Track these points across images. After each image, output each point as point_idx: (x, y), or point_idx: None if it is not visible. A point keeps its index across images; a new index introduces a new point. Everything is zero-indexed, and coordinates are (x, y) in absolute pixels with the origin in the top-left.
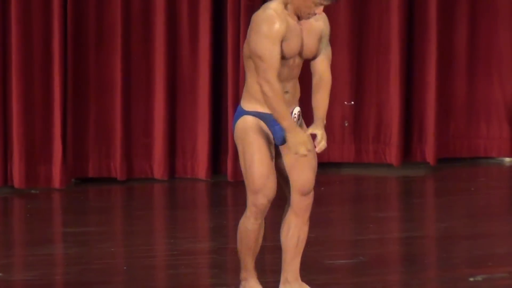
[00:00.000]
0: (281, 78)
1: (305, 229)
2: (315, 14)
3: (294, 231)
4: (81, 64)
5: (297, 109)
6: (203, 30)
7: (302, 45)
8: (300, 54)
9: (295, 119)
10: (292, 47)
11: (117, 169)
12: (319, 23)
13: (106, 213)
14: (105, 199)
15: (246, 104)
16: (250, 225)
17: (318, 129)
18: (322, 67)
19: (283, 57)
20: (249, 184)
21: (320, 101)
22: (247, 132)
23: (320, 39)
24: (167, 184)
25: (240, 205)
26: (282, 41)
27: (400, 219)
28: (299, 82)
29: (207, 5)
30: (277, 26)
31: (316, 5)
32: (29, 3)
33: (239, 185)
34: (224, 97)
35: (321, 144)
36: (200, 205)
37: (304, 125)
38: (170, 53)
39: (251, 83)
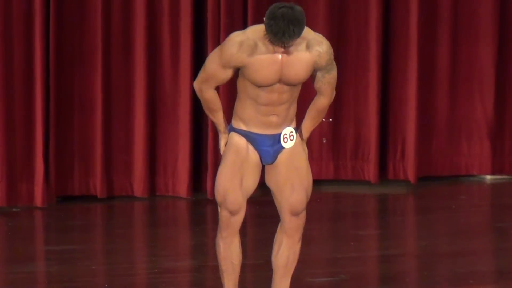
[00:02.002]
0: (266, 102)
1: (295, 249)
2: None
3: (284, 250)
4: (62, 82)
5: (288, 130)
6: (184, 49)
7: (281, 74)
8: (282, 81)
9: (285, 140)
10: (264, 75)
11: (97, 186)
12: (306, 54)
13: (87, 231)
14: (86, 217)
15: (233, 121)
16: (219, 239)
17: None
18: (318, 85)
19: (257, 85)
20: (215, 194)
21: (308, 120)
22: (227, 148)
23: (310, 68)
24: (148, 201)
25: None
26: (243, 67)
27: (380, 237)
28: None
29: (187, 23)
30: (233, 51)
31: (271, 42)
32: (11, 21)
33: (216, 200)
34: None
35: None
36: (181, 223)
37: (301, 145)
38: (150, 71)
39: (238, 104)
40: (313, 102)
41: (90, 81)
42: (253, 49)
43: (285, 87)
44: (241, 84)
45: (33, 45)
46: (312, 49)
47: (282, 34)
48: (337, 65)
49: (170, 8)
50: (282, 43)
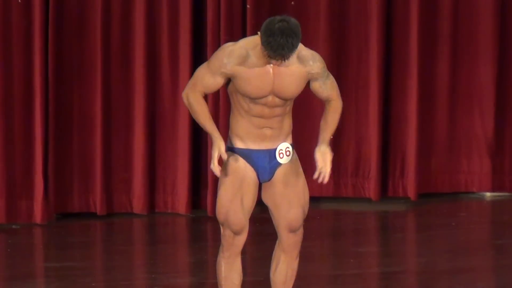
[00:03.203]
0: (259, 115)
1: (293, 266)
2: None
3: (282, 267)
4: (61, 99)
5: (283, 145)
6: (183, 66)
7: (272, 86)
8: (274, 93)
9: (281, 155)
10: (256, 86)
11: (97, 204)
12: (299, 66)
13: (87, 248)
14: (85, 234)
15: (229, 140)
16: (221, 258)
17: (318, 153)
18: (325, 95)
19: (249, 97)
20: (216, 215)
21: (324, 124)
22: (225, 167)
23: (302, 80)
24: (147, 218)
25: (220, 240)
26: (234, 78)
27: (380, 254)
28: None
29: (187, 40)
30: (224, 61)
31: (270, 58)
32: (10, 38)
33: (217, 220)
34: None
35: (321, 173)
36: (180, 240)
37: (298, 162)
38: (150, 89)
39: (232, 119)
40: (325, 110)
41: (89, 98)
42: (245, 59)
43: (277, 100)
44: (234, 98)
45: (32, 61)
46: (304, 62)
47: (282, 49)
48: (337, 82)
49: (169, 25)
50: (282, 58)
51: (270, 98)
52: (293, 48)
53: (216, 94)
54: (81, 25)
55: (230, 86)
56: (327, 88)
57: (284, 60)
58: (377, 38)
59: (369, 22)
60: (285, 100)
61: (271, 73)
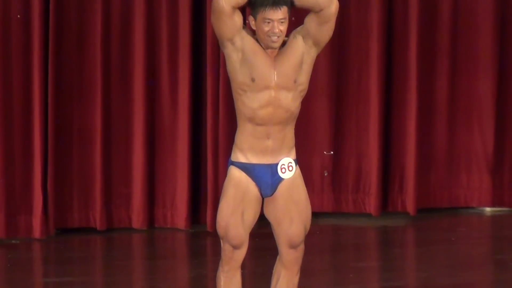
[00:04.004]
0: (262, 120)
1: (294, 281)
2: (274, 35)
3: (283, 283)
4: (61, 114)
5: (286, 160)
6: (183, 81)
7: (274, 72)
8: (276, 84)
9: (283, 170)
10: (259, 70)
11: (96, 219)
12: (292, 44)
13: (86, 263)
14: (85, 249)
15: (233, 154)
16: (220, 272)
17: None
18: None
19: (252, 80)
20: (216, 228)
21: None
22: (227, 182)
23: (300, 65)
24: (146, 234)
25: (220, 255)
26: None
27: (380, 269)
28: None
29: (186, 55)
30: (237, 15)
31: (265, 22)
32: (10, 52)
33: (218, 235)
34: (204, 147)
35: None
36: (179, 255)
37: (301, 177)
38: (149, 104)
39: (238, 133)
40: None
41: (89, 112)
42: (252, 39)
43: (282, 97)
44: (239, 106)
45: (31, 76)
46: (293, 36)
47: None
48: (337, 97)
49: (168, 39)
50: (276, 5)
51: (272, 92)
52: None
53: (216, 105)
54: (81, 40)
55: (234, 88)
56: (311, 15)
57: (278, 6)
58: (377, 54)
59: (369, 37)
60: (289, 89)
61: (272, 61)
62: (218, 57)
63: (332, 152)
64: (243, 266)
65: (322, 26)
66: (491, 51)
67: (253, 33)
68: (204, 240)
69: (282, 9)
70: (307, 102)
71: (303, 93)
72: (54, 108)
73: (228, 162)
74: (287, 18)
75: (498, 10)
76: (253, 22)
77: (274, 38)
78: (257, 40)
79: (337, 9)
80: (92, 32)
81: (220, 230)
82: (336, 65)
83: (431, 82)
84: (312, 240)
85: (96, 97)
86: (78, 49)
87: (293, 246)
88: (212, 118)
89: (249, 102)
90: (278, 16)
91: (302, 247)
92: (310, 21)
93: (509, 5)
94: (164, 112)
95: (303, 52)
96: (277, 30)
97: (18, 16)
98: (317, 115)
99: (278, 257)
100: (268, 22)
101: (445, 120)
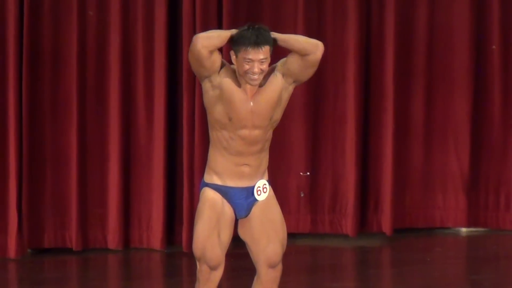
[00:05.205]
0: (237, 151)
1: None
2: (254, 74)
3: None
4: (36, 134)
5: (261, 182)
6: (158, 101)
7: (251, 112)
8: (252, 124)
9: (259, 192)
10: (237, 111)
11: (72, 239)
12: (271, 80)
13: (62, 284)
14: (60, 270)
15: (206, 176)
16: None
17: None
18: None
19: (230, 119)
20: (193, 250)
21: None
22: (202, 204)
23: (281, 83)
24: (122, 254)
25: (195, 275)
26: (218, 89)
27: None
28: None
29: (162, 76)
30: (215, 55)
31: (246, 61)
32: None
33: (194, 255)
34: (179, 167)
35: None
36: (155, 275)
37: (274, 197)
38: (125, 124)
39: (211, 155)
40: None
41: (64, 133)
42: (230, 76)
43: (256, 133)
44: (214, 134)
45: (6, 97)
46: (274, 73)
47: (256, 37)
48: (314, 118)
49: (144, 62)
50: (257, 45)
51: (247, 131)
52: (266, 38)
53: (191, 126)
54: (56, 60)
55: (210, 120)
56: (295, 57)
57: (260, 47)
58: (354, 74)
59: (345, 58)
60: (265, 127)
61: (249, 99)
62: (193, 78)
63: (308, 173)
64: (218, 287)
65: (306, 69)
66: (467, 72)
67: (232, 66)
68: (179, 261)
69: (263, 49)
70: (283, 123)
71: (276, 124)
72: (29, 128)
73: (201, 183)
74: (269, 57)
75: (474, 31)
76: (233, 57)
77: (254, 77)
78: (235, 76)
79: (322, 53)
80: (68, 52)
81: (197, 251)
82: (312, 85)
83: (407, 102)
84: (289, 260)
85: (71, 117)
86: (54, 69)
87: (272, 266)
88: (188, 139)
89: (225, 136)
90: (259, 57)
91: (280, 266)
92: (293, 62)
93: (484, 25)
94: (140, 133)
95: (281, 89)
96: (257, 69)
97: None
98: (293, 136)
99: (255, 277)
100: (249, 62)
101: (421, 140)
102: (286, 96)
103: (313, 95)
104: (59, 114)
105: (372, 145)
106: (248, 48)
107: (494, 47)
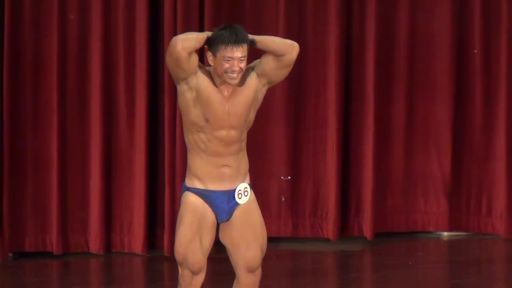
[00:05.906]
0: (215, 153)
1: None
2: (233, 73)
3: None
4: (17, 139)
5: (242, 186)
6: (140, 105)
7: (228, 113)
8: (229, 124)
9: (240, 196)
10: (214, 112)
11: (53, 243)
12: (247, 81)
13: None
14: (41, 274)
15: (188, 180)
16: None
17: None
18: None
19: (206, 120)
20: (175, 254)
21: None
22: (183, 208)
23: (255, 83)
24: (103, 258)
25: (177, 280)
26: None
27: None
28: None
29: (143, 80)
30: (194, 57)
31: (225, 60)
32: None
33: (175, 260)
34: (161, 171)
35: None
36: (136, 280)
37: (256, 201)
38: (106, 129)
39: (190, 160)
40: None
41: (45, 137)
42: (207, 78)
43: (232, 133)
44: (190, 139)
45: None
46: (248, 73)
47: (235, 35)
48: (295, 122)
49: (125, 66)
50: (236, 43)
51: (225, 132)
52: (244, 36)
53: (173, 130)
54: (37, 64)
55: (185, 123)
56: (270, 57)
57: (239, 45)
58: (335, 79)
59: (326, 62)
60: (241, 127)
61: (225, 100)
62: (174, 87)
63: (289, 177)
64: None
65: (280, 69)
66: (448, 76)
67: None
68: (161, 265)
69: (243, 47)
70: (264, 127)
71: (250, 125)
72: (9, 132)
73: (182, 187)
74: (246, 55)
75: (455, 36)
76: (211, 58)
77: (234, 75)
78: (211, 77)
79: (298, 53)
80: (49, 56)
81: (179, 256)
82: (293, 89)
83: (388, 106)
84: (270, 265)
85: (52, 121)
86: (34, 74)
87: (251, 270)
88: (169, 143)
89: (202, 138)
90: (238, 55)
91: (259, 271)
92: (268, 62)
93: (465, 30)
94: (121, 137)
95: (256, 90)
96: (237, 68)
97: None
98: (274, 140)
99: (235, 281)
100: (228, 60)
101: (402, 144)
102: (260, 97)
103: (294, 99)
104: (40, 118)
105: (353, 149)
106: (228, 46)
107: (475, 51)
